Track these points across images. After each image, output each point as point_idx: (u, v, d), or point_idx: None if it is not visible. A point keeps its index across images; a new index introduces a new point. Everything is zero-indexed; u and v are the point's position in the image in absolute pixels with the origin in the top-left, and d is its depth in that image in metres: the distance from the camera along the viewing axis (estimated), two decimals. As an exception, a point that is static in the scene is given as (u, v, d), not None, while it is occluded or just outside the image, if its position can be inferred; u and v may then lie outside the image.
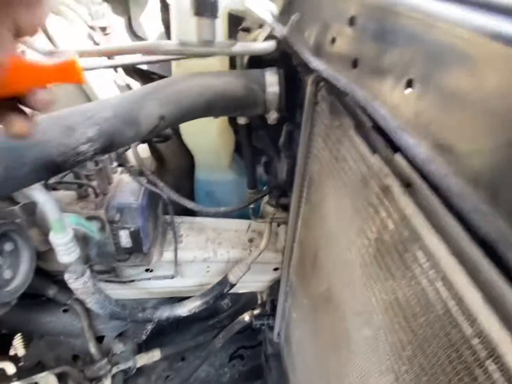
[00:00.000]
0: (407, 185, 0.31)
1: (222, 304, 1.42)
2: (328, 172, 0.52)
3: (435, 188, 0.29)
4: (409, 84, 0.26)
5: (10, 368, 0.94)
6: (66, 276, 0.69)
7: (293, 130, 0.66)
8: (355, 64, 0.35)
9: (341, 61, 0.37)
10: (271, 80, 0.58)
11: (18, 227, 0.63)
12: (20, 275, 0.63)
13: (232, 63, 0.77)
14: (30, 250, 0.66)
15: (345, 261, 0.46)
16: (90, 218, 0.73)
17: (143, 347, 1.20)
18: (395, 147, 0.36)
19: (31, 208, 0.83)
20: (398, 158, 0.34)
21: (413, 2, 0.28)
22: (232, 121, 1.10)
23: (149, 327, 1.24)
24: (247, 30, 0.71)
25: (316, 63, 0.41)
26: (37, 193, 0.55)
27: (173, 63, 0.76)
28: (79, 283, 0.69)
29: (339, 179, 0.47)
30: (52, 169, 0.46)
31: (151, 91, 0.56)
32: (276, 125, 0.82)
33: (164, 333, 1.34)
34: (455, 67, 0.23)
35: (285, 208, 1.05)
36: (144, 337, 1.22)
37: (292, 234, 0.80)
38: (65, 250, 0.63)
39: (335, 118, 0.48)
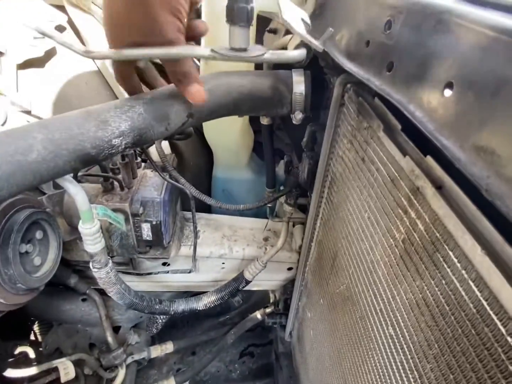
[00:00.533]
0: (438, 187, 0.32)
1: (233, 301, 1.44)
2: (353, 173, 0.53)
3: (466, 191, 0.29)
4: (449, 87, 0.27)
5: (31, 353, 0.98)
6: (91, 266, 0.71)
7: (316, 130, 0.67)
8: (390, 67, 0.35)
9: (375, 64, 0.38)
10: (298, 81, 0.59)
11: (47, 216, 0.66)
12: (48, 262, 0.66)
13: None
14: (58, 239, 0.69)
15: (368, 262, 0.47)
16: (114, 210, 0.75)
17: (156, 340, 1.23)
18: (425, 151, 0.37)
19: (56, 199, 0.86)
20: (430, 160, 0.34)
21: (453, 6, 0.29)
22: (253, 121, 1.12)
23: (160, 321, 1.27)
24: (273, 31, 0.72)
25: (349, 65, 0.42)
26: (70, 184, 0.57)
27: (201, 62, 0.78)
28: (102, 272, 0.71)
29: (365, 180, 0.48)
30: (87, 160, 0.49)
31: None
32: (297, 126, 0.83)
33: (176, 327, 1.36)
34: (496, 71, 0.24)
35: (302, 208, 1.06)
36: (155, 330, 1.25)
37: (310, 234, 0.81)
38: (91, 240, 0.65)
39: (363, 119, 0.49)
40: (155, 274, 1.00)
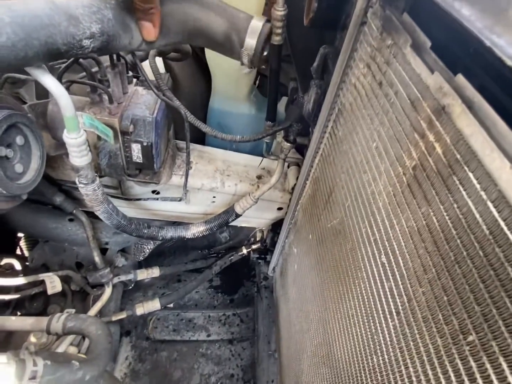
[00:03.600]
0: (468, 106, 0.29)
1: (220, 237, 1.46)
2: (365, 101, 0.49)
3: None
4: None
5: (17, 265, 0.99)
6: (77, 181, 0.68)
7: (329, 54, 0.60)
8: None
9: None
10: (253, 33, 0.57)
11: (29, 121, 0.61)
12: (31, 171, 0.63)
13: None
14: (41, 148, 0.65)
15: (369, 193, 0.45)
16: (103, 125, 0.70)
17: (143, 266, 1.26)
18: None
19: (39, 110, 0.80)
20: (460, 78, 0.31)
21: None
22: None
23: (147, 250, 1.29)
24: None
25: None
26: (56, 88, 0.52)
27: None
28: (89, 189, 0.69)
29: (379, 107, 0.44)
30: (55, 56, 0.46)
31: None
32: (306, 54, 0.75)
33: (163, 256, 1.39)
34: None
35: (299, 149, 1.02)
36: (142, 258, 1.27)
37: (307, 171, 0.78)
38: (77, 152, 0.61)
39: (387, 36, 0.43)
40: (144, 200, 0.99)
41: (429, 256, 0.31)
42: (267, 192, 0.97)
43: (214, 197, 1.06)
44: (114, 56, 0.71)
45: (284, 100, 1.14)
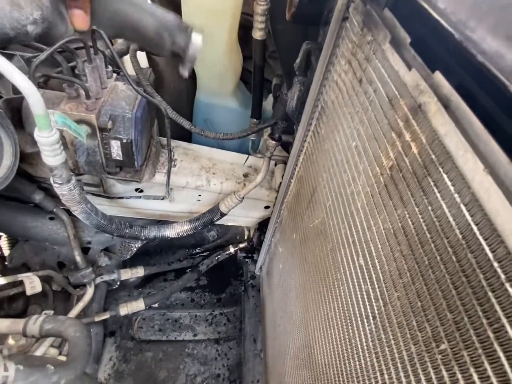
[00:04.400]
0: (444, 105, 0.28)
1: (208, 235, 1.45)
2: (346, 99, 0.47)
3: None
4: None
5: (-6, 265, 0.96)
6: (51, 180, 0.65)
7: (312, 51, 0.59)
8: None
9: None
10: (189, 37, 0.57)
11: (0, 117, 0.58)
12: (2, 169, 0.60)
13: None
14: (14, 145, 0.62)
15: (348, 193, 0.44)
16: (79, 121, 0.68)
17: (128, 265, 1.23)
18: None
19: (15, 106, 0.77)
20: (438, 76, 0.29)
21: None
22: (243, 43, 1.00)
23: (134, 249, 1.26)
24: None
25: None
26: (25, 85, 0.49)
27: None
28: (64, 189, 0.66)
29: (358, 105, 0.43)
30: (5, 40, 0.48)
31: None
32: (291, 50, 0.74)
33: (149, 255, 1.37)
34: None
35: (286, 147, 1.01)
36: (128, 256, 1.25)
37: (292, 170, 0.77)
38: (50, 151, 0.58)
39: (367, 32, 0.42)
40: (126, 198, 0.96)
41: (404, 259, 0.30)
42: (253, 190, 0.96)
43: (199, 195, 1.05)
44: (92, 50, 0.68)
45: (271, 97, 1.13)
